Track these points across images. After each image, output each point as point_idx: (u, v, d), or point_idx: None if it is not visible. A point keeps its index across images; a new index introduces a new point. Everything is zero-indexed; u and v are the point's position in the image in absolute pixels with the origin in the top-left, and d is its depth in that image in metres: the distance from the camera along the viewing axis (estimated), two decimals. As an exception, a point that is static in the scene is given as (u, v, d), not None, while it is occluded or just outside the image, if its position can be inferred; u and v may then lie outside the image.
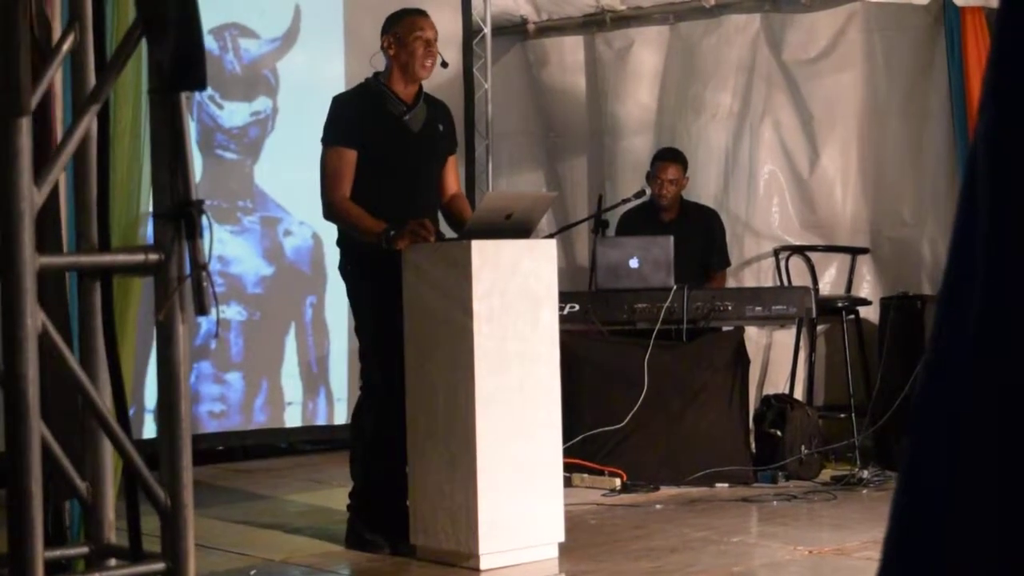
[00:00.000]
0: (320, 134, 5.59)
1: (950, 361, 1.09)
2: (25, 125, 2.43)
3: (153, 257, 2.59)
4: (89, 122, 2.64)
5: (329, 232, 6.18)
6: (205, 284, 2.54)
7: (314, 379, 7.75)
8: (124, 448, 2.58)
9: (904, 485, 1.12)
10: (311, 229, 7.64)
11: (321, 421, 7.79)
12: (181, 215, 2.55)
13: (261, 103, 7.65)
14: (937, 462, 1.09)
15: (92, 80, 2.75)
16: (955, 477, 1.07)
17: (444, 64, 5.67)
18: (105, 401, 2.72)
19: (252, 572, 5.21)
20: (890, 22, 7.75)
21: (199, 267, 2.54)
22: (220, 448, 7.71)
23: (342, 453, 6.32)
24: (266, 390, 7.57)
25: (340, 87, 6.92)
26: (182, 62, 2.49)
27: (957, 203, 1.13)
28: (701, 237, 7.58)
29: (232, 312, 7.43)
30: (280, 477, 7.41)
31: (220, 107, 7.50)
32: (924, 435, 1.12)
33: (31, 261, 2.45)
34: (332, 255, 5.82)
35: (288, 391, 7.65)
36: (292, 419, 7.69)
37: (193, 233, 2.56)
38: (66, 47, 2.76)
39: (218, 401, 7.39)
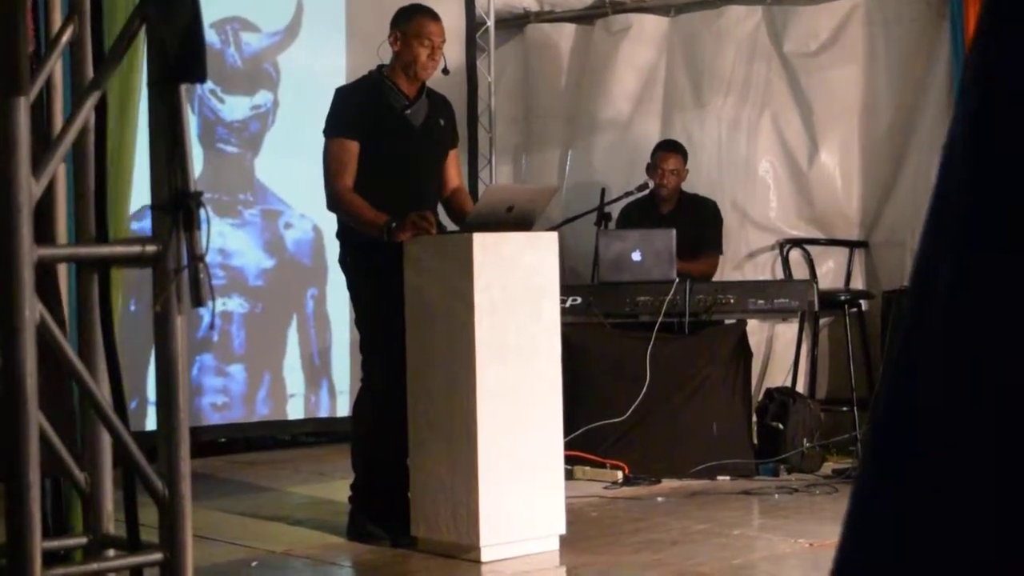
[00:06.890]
0: (321, 127, 5.59)
1: (919, 354, 1.09)
2: (24, 114, 2.43)
3: (150, 248, 2.59)
4: (88, 113, 2.64)
5: (329, 224, 6.17)
6: (202, 276, 2.54)
7: (316, 371, 7.77)
8: (122, 439, 2.59)
9: (864, 473, 1.12)
10: (311, 222, 7.65)
11: (323, 413, 7.81)
12: (179, 206, 2.55)
13: (262, 97, 7.66)
14: (901, 453, 1.09)
15: (91, 71, 2.75)
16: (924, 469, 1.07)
17: (445, 71, 5.66)
18: (103, 392, 2.73)
19: (253, 563, 5.22)
20: (891, 15, 7.74)
21: (196, 259, 2.54)
22: (222, 440, 7.72)
23: (344, 445, 6.33)
24: (268, 382, 7.58)
25: (341, 81, 6.91)
26: (183, 54, 2.49)
27: (932, 192, 1.12)
28: (697, 227, 7.57)
29: (234, 305, 7.44)
30: (282, 469, 7.42)
31: (221, 101, 7.50)
32: (890, 424, 1.11)
33: (29, 253, 2.45)
34: (333, 247, 5.82)
35: (290, 383, 7.67)
36: (294, 411, 7.70)
37: (191, 225, 2.55)
38: (65, 38, 2.76)
39: (220, 393, 7.40)
